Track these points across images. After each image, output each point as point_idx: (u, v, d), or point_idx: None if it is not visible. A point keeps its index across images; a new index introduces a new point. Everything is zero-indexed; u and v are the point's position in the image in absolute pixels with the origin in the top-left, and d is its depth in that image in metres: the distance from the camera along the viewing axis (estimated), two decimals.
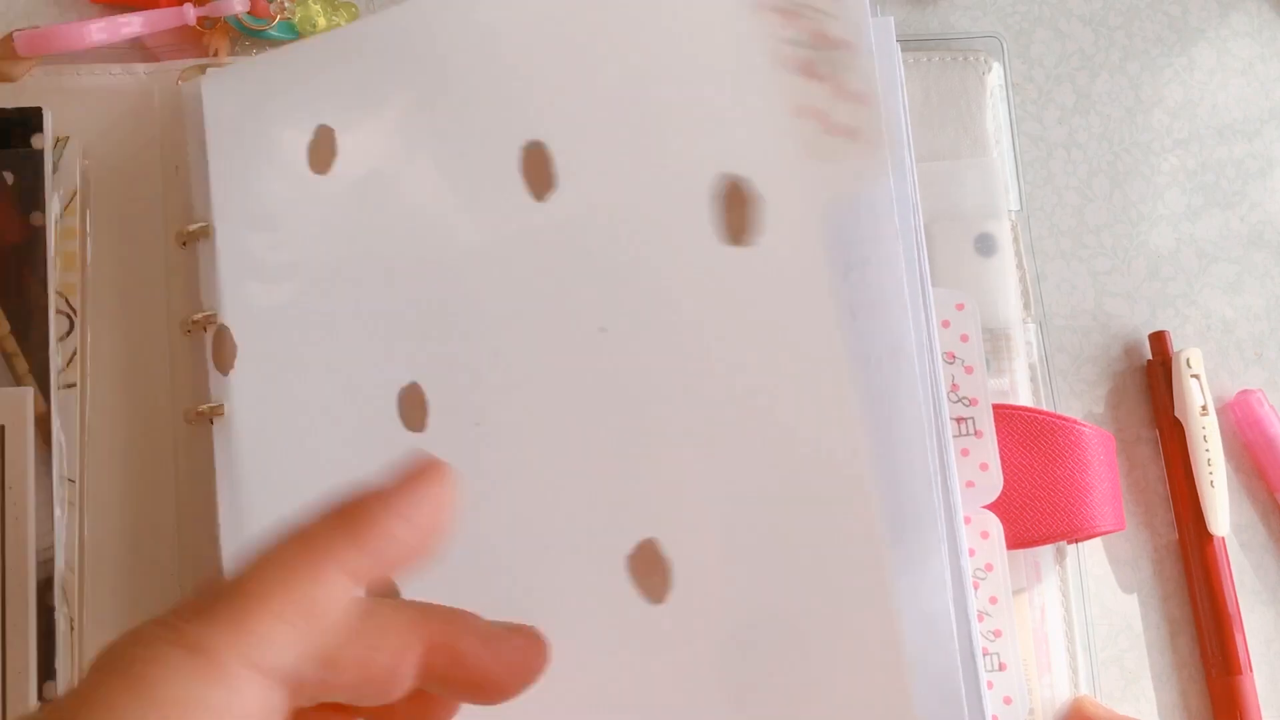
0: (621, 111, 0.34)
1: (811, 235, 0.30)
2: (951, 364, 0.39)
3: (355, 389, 0.36)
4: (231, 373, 0.37)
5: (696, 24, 0.33)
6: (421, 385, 0.36)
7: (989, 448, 0.39)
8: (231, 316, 0.37)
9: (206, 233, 0.38)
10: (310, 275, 0.37)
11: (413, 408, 0.36)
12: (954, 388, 0.39)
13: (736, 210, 0.32)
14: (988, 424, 0.39)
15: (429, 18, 0.36)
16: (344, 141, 0.37)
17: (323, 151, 0.37)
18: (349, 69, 0.37)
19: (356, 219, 0.36)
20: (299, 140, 0.37)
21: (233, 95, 0.38)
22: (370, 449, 0.36)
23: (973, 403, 0.39)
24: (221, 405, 0.37)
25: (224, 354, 0.37)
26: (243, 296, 0.37)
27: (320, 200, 0.37)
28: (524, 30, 0.35)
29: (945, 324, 0.39)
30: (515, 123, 0.35)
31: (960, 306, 0.40)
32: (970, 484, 0.39)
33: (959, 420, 0.39)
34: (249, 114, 0.38)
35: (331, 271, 0.37)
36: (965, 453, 0.39)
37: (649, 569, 0.32)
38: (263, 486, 0.36)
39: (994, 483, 0.39)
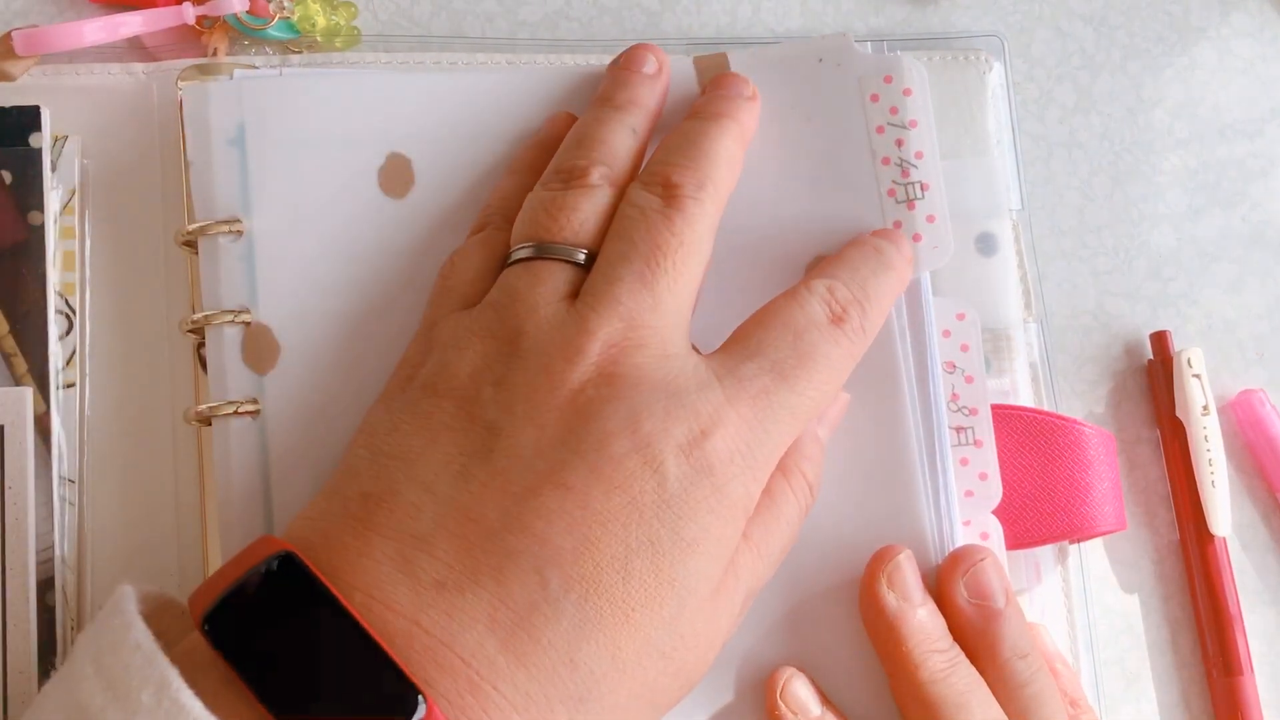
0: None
1: None
2: (951, 374, 0.39)
3: None
4: (272, 372, 0.37)
5: (815, 126, 0.40)
6: None
7: (988, 457, 0.39)
8: (273, 316, 0.38)
9: (225, 232, 0.38)
10: (375, 288, 0.38)
11: None
12: (954, 397, 0.39)
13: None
14: (987, 433, 0.39)
15: (528, 88, 0.40)
16: (424, 175, 0.39)
17: (397, 178, 0.39)
18: (436, 113, 0.40)
19: (436, 247, 0.38)
20: (367, 162, 0.39)
21: (274, 99, 0.39)
22: None
23: (972, 412, 0.39)
24: (255, 402, 0.37)
25: (262, 353, 0.37)
26: (289, 298, 0.38)
27: (393, 223, 0.39)
28: None
29: (946, 334, 0.39)
30: None
31: (961, 316, 0.40)
32: (969, 493, 0.39)
33: (958, 430, 0.39)
34: (296, 124, 0.39)
35: (398, 288, 0.38)
36: (965, 462, 0.39)
37: None
38: (305, 486, 0.37)
39: (993, 491, 0.39)
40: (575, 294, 0.33)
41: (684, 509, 0.31)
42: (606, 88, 0.38)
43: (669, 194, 0.34)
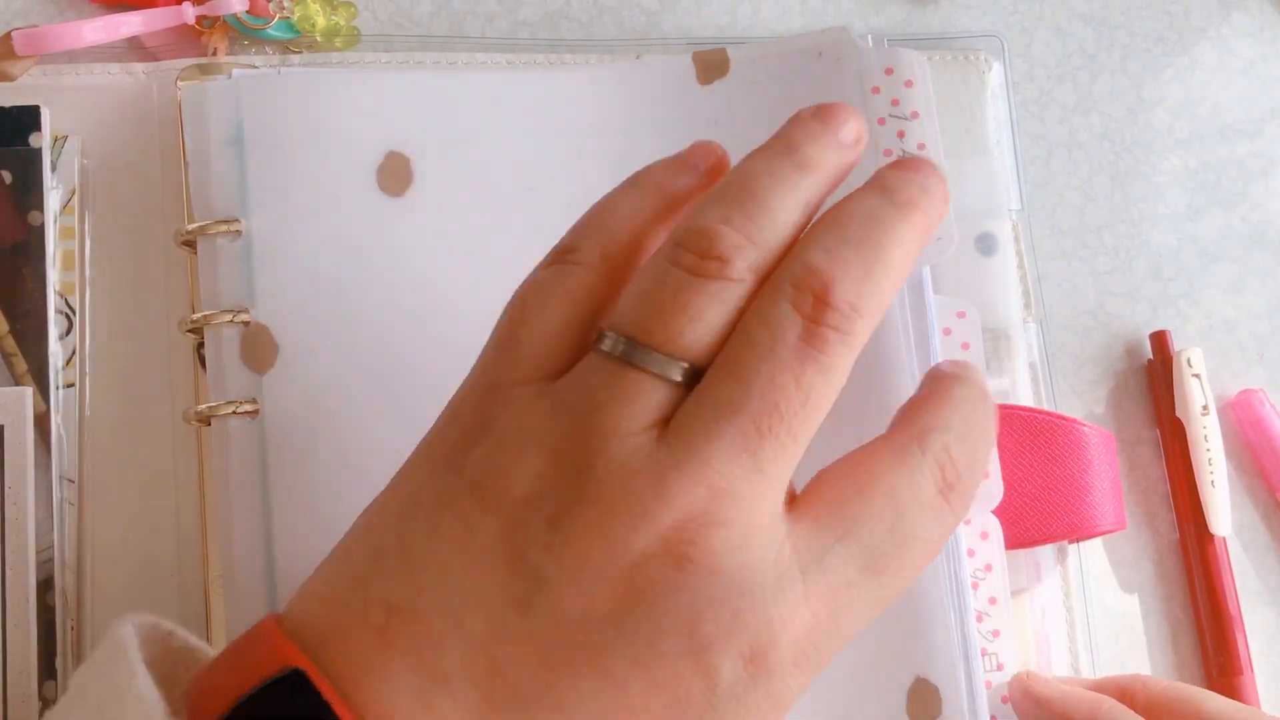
0: None
1: None
2: None
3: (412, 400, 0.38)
4: (270, 371, 0.37)
5: None
6: None
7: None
8: (271, 316, 0.38)
9: (224, 231, 0.38)
10: (374, 286, 0.38)
11: None
12: None
13: None
14: None
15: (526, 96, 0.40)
16: (423, 174, 0.39)
17: (396, 176, 0.39)
18: (436, 111, 0.40)
19: (435, 245, 0.39)
20: (366, 160, 0.39)
21: (273, 98, 0.39)
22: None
23: None
24: (254, 402, 0.37)
25: (261, 352, 0.37)
26: (286, 297, 0.38)
27: (392, 221, 0.39)
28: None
29: (947, 331, 0.39)
30: None
31: (962, 314, 0.40)
32: None
33: None
34: (295, 123, 0.39)
35: (397, 287, 0.38)
36: None
37: None
38: (304, 486, 0.37)
39: (994, 490, 0.39)
40: (666, 420, 0.28)
41: (731, 711, 0.27)
42: (793, 135, 0.31)
43: (817, 316, 0.28)
